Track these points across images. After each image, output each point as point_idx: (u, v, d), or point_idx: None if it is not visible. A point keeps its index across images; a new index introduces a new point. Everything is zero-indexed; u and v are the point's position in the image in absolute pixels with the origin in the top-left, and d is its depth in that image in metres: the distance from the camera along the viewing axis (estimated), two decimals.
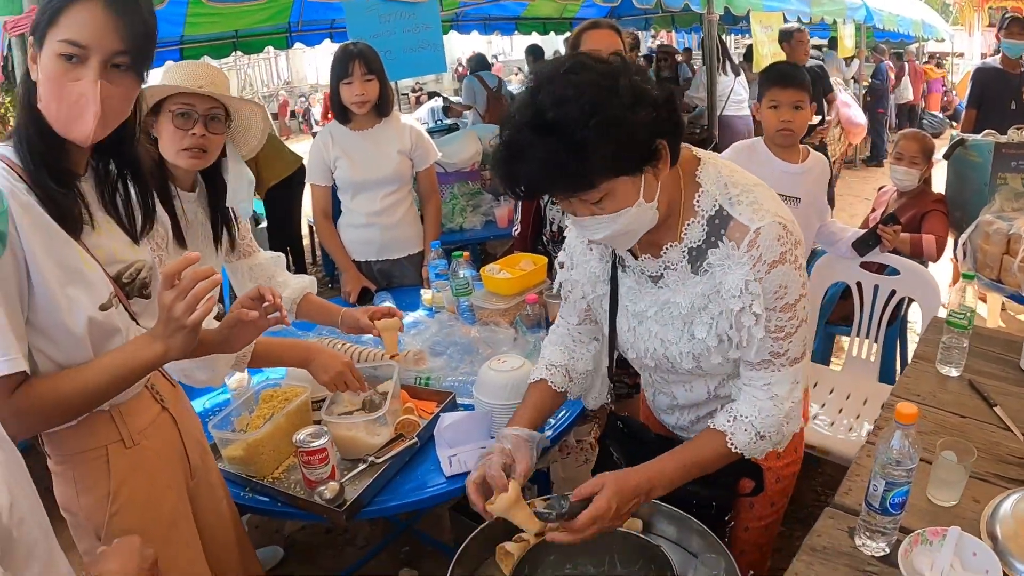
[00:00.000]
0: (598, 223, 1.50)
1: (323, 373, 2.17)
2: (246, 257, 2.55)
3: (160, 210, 2.14)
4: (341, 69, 3.27)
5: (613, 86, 1.40)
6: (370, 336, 2.67)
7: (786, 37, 6.51)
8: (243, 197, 2.38)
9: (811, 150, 3.15)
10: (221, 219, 2.41)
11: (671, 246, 1.62)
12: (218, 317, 1.87)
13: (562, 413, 2.31)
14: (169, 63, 2.42)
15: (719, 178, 1.58)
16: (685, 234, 1.60)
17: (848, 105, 7.93)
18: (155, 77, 2.22)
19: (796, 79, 2.99)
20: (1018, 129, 3.90)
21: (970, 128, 5.49)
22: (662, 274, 1.66)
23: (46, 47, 1.40)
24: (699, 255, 1.59)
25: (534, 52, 9.77)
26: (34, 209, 1.40)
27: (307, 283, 2.68)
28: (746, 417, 1.62)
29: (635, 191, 1.47)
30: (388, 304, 3.00)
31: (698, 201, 1.57)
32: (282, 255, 2.69)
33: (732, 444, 1.62)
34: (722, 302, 1.57)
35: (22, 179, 1.42)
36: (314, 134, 6.76)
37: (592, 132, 1.35)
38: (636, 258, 1.70)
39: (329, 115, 5.14)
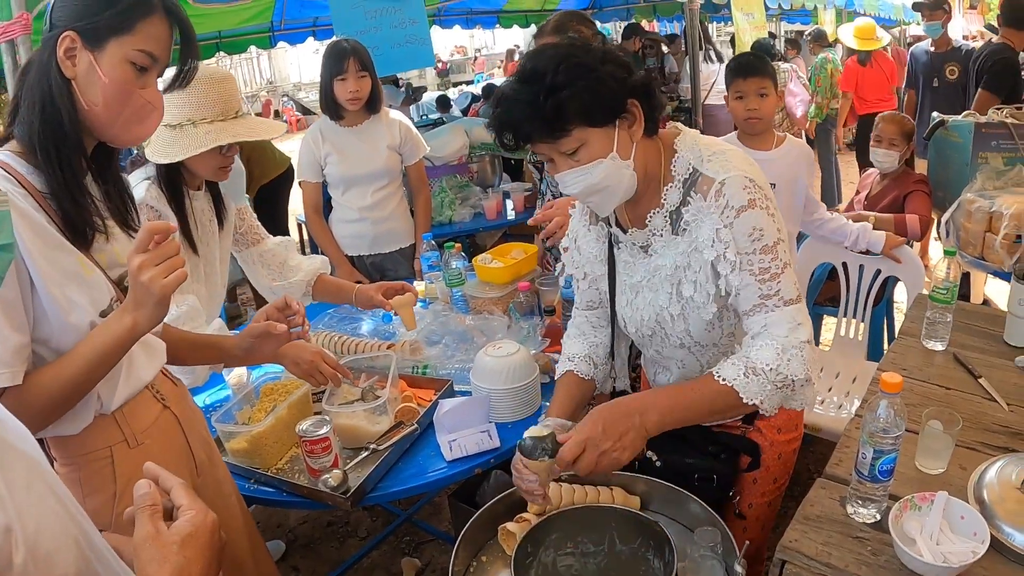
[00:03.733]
0: (575, 176, 1.58)
1: (295, 366, 2.18)
2: (255, 245, 2.57)
3: (168, 211, 2.17)
4: (335, 65, 3.27)
5: (586, 46, 1.58)
6: (369, 328, 2.71)
7: None
8: (238, 187, 2.44)
9: (788, 136, 3.22)
10: (221, 208, 2.43)
11: (655, 212, 1.70)
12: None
13: None
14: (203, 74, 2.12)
15: (695, 144, 1.68)
16: (665, 199, 1.68)
17: (794, 94, 8.00)
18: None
19: (757, 68, 3.08)
20: (998, 109, 3.95)
21: (912, 109, 5.83)
22: (650, 242, 1.74)
23: (113, 52, 1.44)
24: (678, 216, 1.67)
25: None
26: (31, 215, 1.39)
27: (319, 264, 2.70)
28: (738, 355, 1.64)
29: (608, 143, 1.57)
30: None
31: (675, 166, 1.67)
32: (292, 239, 2.72)
33: (720, 377, 1.61)
34: (700, 256, 1.64)
35: (22, 185, 1.42)
36: None
37: (562, 75, 1.49)
38: (625, 232, 1.77)
39: None
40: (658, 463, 1.79)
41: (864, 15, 9.66)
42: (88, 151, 1.54)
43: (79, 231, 1.48)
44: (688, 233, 1.66)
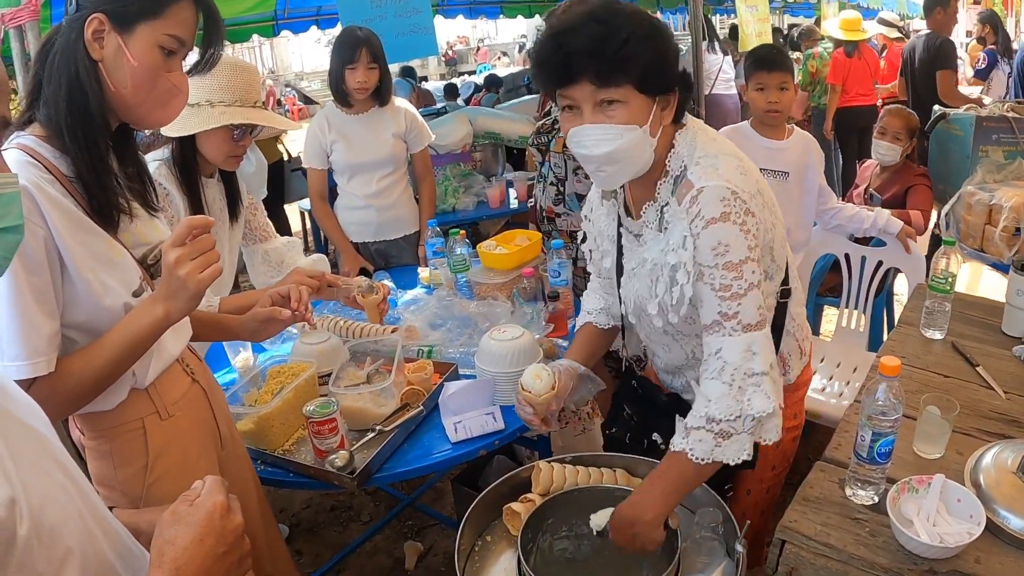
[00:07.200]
0: (603, 133, 1.53)
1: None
2: (262, 242, 2.60)
3: (176, 191, 2.20)
4: (348, 53, 3.29)
5: (656, 22, 1.56)
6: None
7: (942, 3, 5.72)
8: (259, 183, 2.46)
9: (796, 128, 3.25)
10: (236, 201, 2.46)
11: (649, 205, 1.69)
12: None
13: None
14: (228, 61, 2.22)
15: (693, 142, 1.63)
16: (658, 193, 1.66)
17: None
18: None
19: (780, 63, 3.13)
20: (999, 103, 3.98)
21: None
22: (642, 232, 1.73)
23: (142, 35, 1.44)
24: (663, 213, 1.65)
25: None
26: (60, 201, 1.39)
27: (315, 262, 2.73)
28: (698, 420, 1.56)
29: (646, 114, 1.53)
30: (381, 281, 3.03)
31: (670, 162, 1.63)
32: (298, 240, 2.75)
33: (697, 459, 1.56)
34: (666, 260, 1.62)
35: (48, 171, 1.41)
36: None
37: (641, 31, 1.48)
38: (630, 216, 1.78)
39: None
40: (663, 446, 1.81)
41: (868, 8, 9.64)
42: (111, 132, 1.54)
43: (106, 214, 1.49)
44: (667, 233, 1.63)
